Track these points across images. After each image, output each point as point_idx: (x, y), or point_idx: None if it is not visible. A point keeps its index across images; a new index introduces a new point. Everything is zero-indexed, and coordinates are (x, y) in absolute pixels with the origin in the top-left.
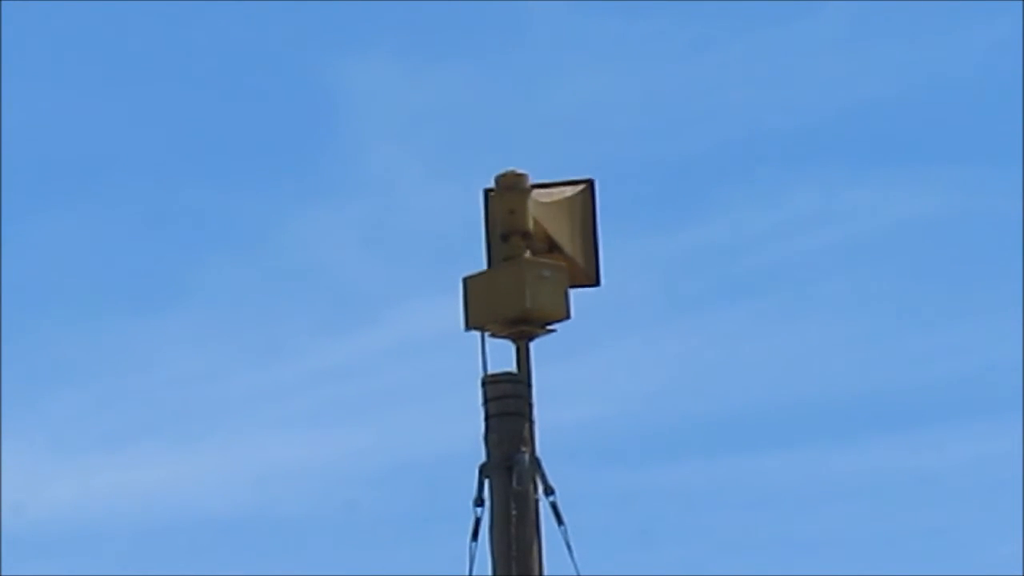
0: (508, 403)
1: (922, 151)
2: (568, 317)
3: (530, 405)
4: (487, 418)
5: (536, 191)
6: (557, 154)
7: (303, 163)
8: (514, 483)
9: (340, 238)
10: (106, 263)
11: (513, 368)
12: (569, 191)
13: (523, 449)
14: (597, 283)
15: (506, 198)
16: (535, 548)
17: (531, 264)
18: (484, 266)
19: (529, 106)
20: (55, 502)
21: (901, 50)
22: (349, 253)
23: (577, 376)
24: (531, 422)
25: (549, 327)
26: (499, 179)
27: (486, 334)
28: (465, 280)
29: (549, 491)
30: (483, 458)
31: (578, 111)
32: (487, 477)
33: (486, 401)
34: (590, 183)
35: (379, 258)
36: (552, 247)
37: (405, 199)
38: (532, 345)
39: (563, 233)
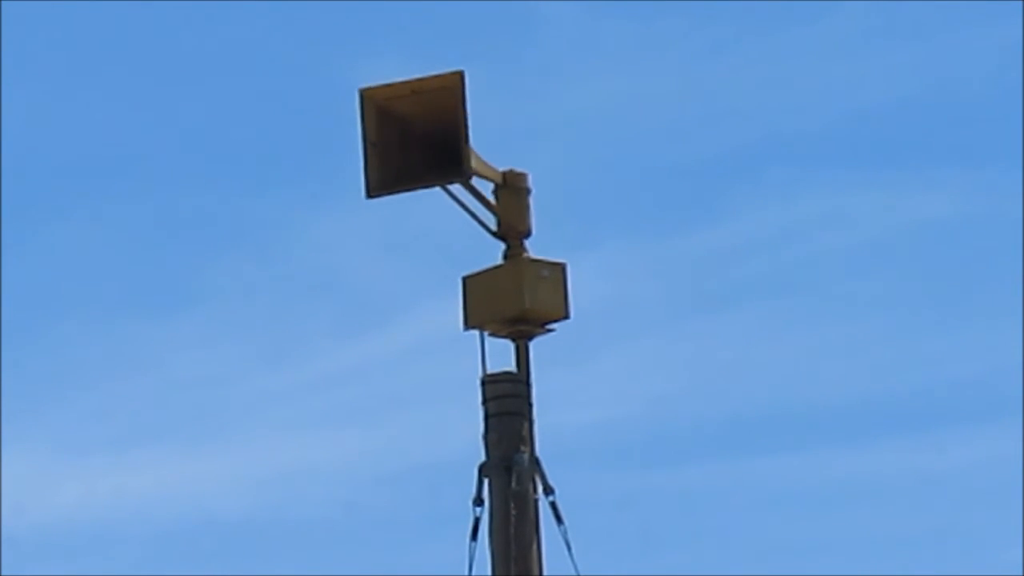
0: (507, 403)
1: (933, 154)
2: (567, 317)
3: (530, 405)
4: (486, 418)
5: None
6: (568, 155)
7: (316, 165)
8: (513, 483)
9: (352, 241)
10: (117, 265)
11: (513, 368)
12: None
13: (522, 449)
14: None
15: (505, 197)
16: (534, 548)
17: (530, 264)
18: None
19: (541, 108)
20: (61, 504)
21: (914, 52)
22: (361, 256)
23: (586, 378)
24: (531, 422)
25: (548, 327)
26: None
27: (485, 334)
28: (464, 279)
29: (548, 491)
30: (482, 458)
31: (590, 113)
32: (486, 477)
33: (485, 401)
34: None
35: (392, 260)
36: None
37: (417, 201)
38: (540, 345)
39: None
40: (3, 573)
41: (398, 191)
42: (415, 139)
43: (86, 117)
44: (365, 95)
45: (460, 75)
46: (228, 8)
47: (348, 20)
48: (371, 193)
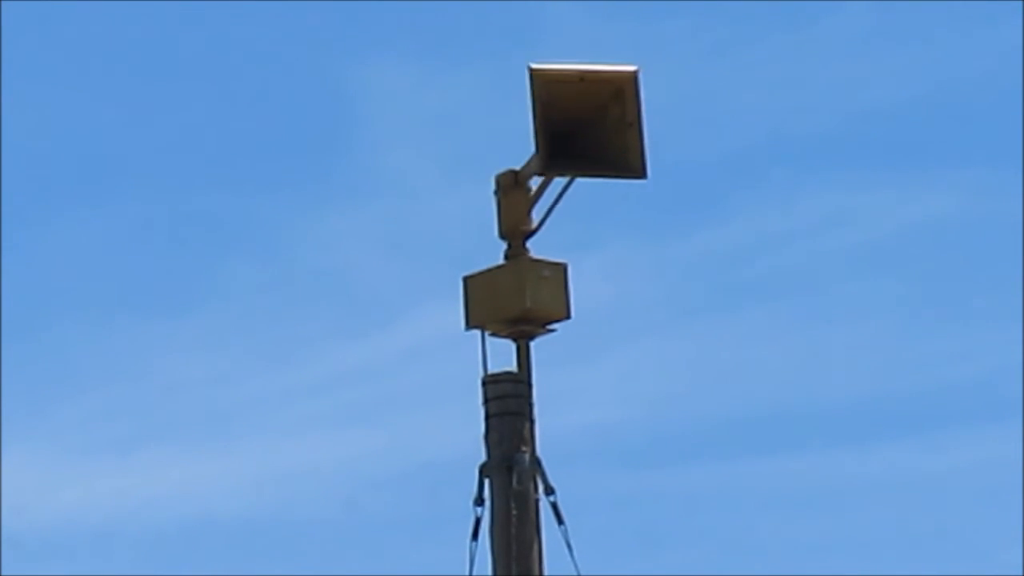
0: (508, 403)
1: (936, 154)
2: (568, 317)
3: (530, 405)
4: (487, 418)
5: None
6: None
7: (319, 166)
8: (514, 483)
9: (356, 242)
10: (119, 266)
11: (514, 368)
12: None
13: (523, 449)
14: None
15: (507, 197)
16: (535, 548)
17: (531, 264)
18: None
19: None
20: (62, 505)
21: (916, 53)
22: (365, 256)
23: (588, 378)
24: (531, 422)
25: (549, 327)
26: (499, 178)
27: (486, 334)
28: (465, 279)
29: (549, 491)
30: (483, 458)
31: None
32: (487, 477)
33: (486, 401)
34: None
35: (395, 261)
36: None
37: (421, 202)
38: (541, 346)
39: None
40: (4, 573)
41: (569, 175)
42: (555, 124)
43: (87, 117)
44: (535, 74)
45: (634, 74)
46: (230, 8)
47: (351, 20)
48: (545, 172)
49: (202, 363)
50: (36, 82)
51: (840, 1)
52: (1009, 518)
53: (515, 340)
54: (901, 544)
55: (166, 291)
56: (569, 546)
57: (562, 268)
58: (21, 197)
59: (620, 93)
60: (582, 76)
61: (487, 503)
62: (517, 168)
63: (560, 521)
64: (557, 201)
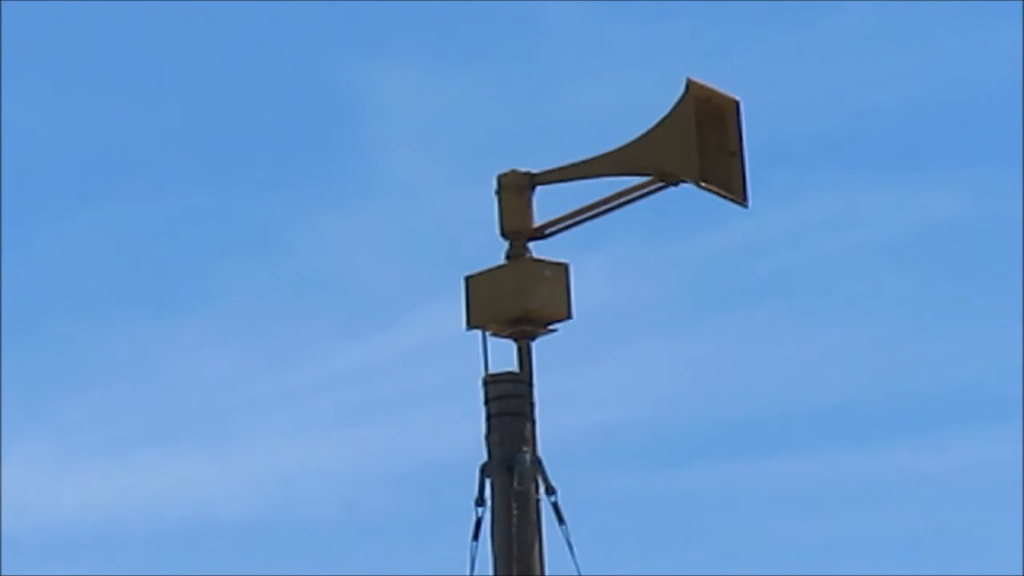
0: (509, 403)
1: (939, 155)
2: (569, 317)
3: (531, 405)
4: (488, 418)
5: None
6: (575, 157)
7: (321, 166)
8: (515, 483)
9: (358, 241)
10: (120, 266)
11: (515, 368)
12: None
13: (524, 449)
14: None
15: (509, 197)
16: (536, 548)
17: (533, 264)
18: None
19: (548, 109)
20: (62, 505)
21: (919, 53)
22: (366, 256)
23: (589, 379)
24: (532, 422)
25: (550, 327)
26: (501, 178)
27: (487, 334)
28: (467, 279)
29: (550, 491)
30: (484, 458)
31: (596, 114)
32: (488, 477)
33: (487, 401)
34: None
35: (397, 261)
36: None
37: (423, 202)
38: (543, 346)
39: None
40: (4, 573)
41: (712, 191)
42: None
43: (88, 117)
44: (692, 86)
45: (736, 102)
46: (231, 8)
47: (355, 21)
48: (701, 184)
49: (202, 363)
50: (36, 82)
51: (840, 1)
52: (1009, 518)
53: (516, 340)
54: (901, 544)
55: (166, 291)
56: (570, 546)
57: (563, 268)
58: (21, 197)
59: (722, 118)
60: (710, 95)
61: (488, 503)
62: (519, 168)
63: (561, 521)
64: (622, 205)
